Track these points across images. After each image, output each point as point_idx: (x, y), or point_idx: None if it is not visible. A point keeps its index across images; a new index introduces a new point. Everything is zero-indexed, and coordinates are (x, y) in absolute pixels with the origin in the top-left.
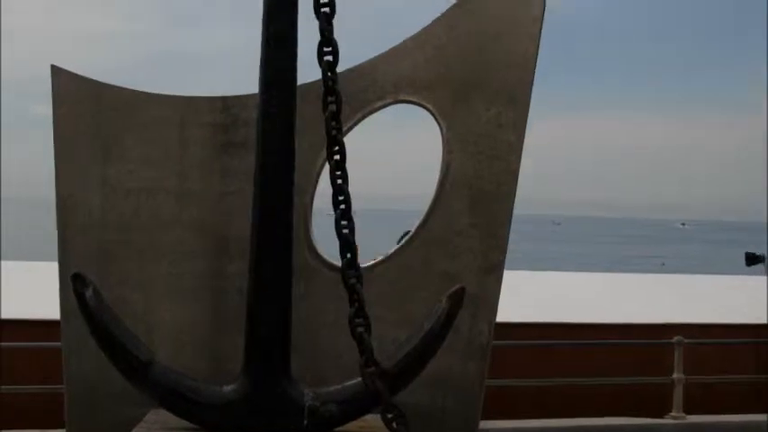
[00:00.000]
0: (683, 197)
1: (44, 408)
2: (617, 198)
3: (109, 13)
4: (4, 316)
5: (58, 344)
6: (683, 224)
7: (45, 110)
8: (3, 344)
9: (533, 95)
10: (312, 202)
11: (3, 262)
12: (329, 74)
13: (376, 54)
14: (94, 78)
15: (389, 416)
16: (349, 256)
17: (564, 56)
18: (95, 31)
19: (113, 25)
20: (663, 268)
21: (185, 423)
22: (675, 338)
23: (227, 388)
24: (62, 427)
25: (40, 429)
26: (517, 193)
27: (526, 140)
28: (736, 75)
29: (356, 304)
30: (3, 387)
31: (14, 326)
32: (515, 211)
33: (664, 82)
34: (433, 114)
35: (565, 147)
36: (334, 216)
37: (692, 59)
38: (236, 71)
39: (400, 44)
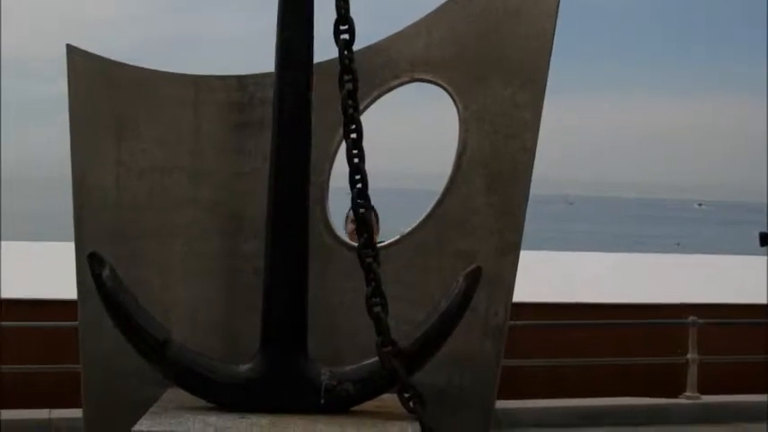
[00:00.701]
0: (700, 178)
1: (61, 387)
2: (633, 178)
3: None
4: (16, 296)
5: (75, 323)
6: (700, 204)
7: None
8: (20, 323)
9: (550, 74)
10: (329, 181)
11: (20, 242)
12: (345, 52)
13: (392, 32)
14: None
15: (406, 395)
16: (365, 235)
17: (578, 35)
18: (92, 17)
19: (110, 12)
20: (678, 248)
21: (202, 402)
22: (690, 318)
23: (244, 367)
24: (79, 407)
25: (57, 408)
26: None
27: (543, 119)
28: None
29: (373, 284)
30: (19, 366)
31: (28, 305)
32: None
33: (680, 62)
34: (449, 93)
35: (582, 127)
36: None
37: (711, 40)
38: (241, 58)
39: (416, 22)
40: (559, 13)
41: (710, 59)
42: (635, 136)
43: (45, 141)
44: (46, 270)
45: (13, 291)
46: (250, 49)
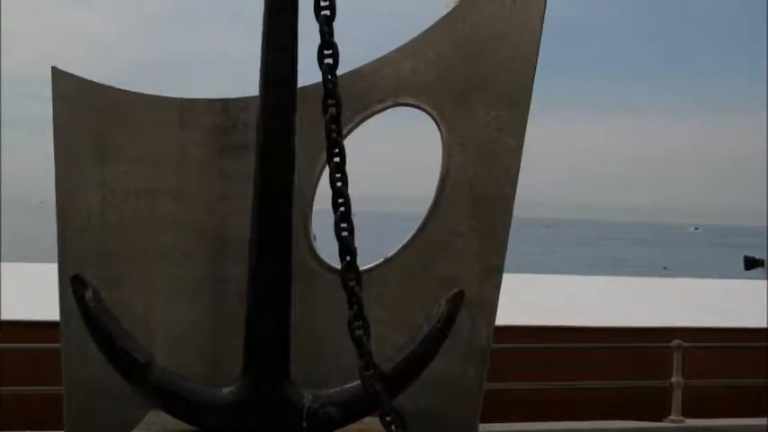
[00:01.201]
0: (699, 201)
1: (43, 409)
2: (629, 201)
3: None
4: (3, 317)
5: (57, 345)
6: (696, 228)
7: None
8: (2, 345)
9: (535, 97)
10: (312, 205)
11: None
12: (329, 76)
13: (376, 57)
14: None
15: (388, 419)
16: (348, 258)
17: (568, 57)
18: (85, 34)
19: (99, 33)
20: (665, 272)
21: (184, 425)
22: (674, 342)
23: (226, 390)
24: (61, 429)
25: (39, 431)
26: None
27: (528, 142)
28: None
29: (355, 307)
30: (2, 388)
31: (12, 327)
32: (515, 214)
33: (677, 85)
34: (432, 117)
35: (579, 150)
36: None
37: (708, 61)
38: (223, 76)
39: (400, 47)
40: (546, 35)
41: (708, 80)
42: (628, 158)
43: (31, 163)
44: (32, 291)
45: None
46: (237, 70)
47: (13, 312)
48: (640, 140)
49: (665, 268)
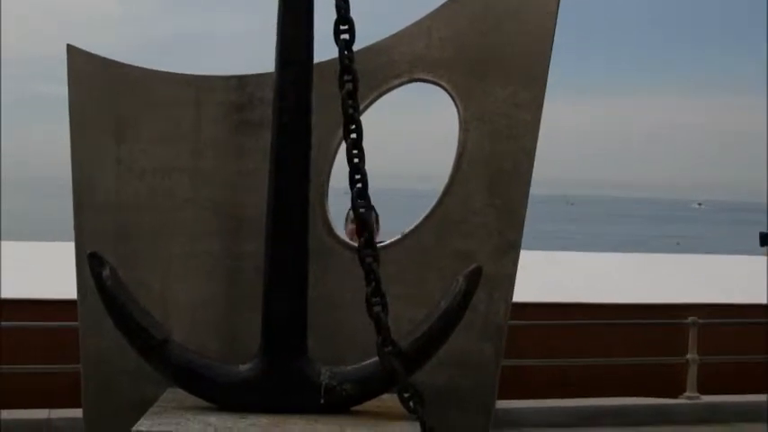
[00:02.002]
0: (700, 177)
1: (61, 387)
2: (633, 178)
3: None
4: (18, 295)
5: (75, 323)
6: (700, 204)
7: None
8: (21, 323)
9: (550, 73)
10: (329, 181)
11: (20, 242)
12: (346, 52)
13: (392, 32)
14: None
15: (406, 395)
16: (366, 235)
17: (576, 37)
18: (94, 14)
19: (111, 8)
20: (677, 248)
21: (201, 402)
22: (690, 319)
23: (244, 367)
24: (79, 407)
25: (57, 408)
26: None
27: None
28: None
29: (373, 284)
30: (19, 366)
31: (29, 305)
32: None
33: (679, 62)
34: (449, 93)
35: (583, 128)
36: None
37: (711, 38)
38: (237, 57)
39: (416, 22)
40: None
41: (711, 57)
42: (633, 135)
43: (45, 141)
44: (46, 270)
45: (13, 291)
46: (251, 47)
47: (40, 291)
48: (639, 119)
49: (678, 244)
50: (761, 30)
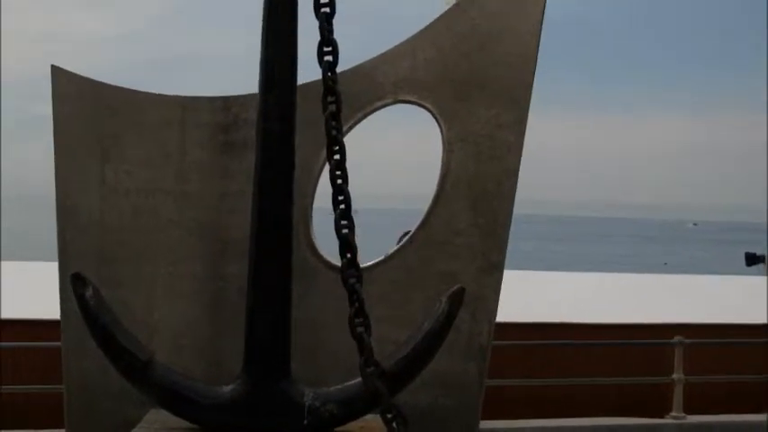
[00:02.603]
0: (697, 198)
1: (44, 408)
2: (630, 198)
3: (102, 16)
4: (4, 316)
5: (58, 344)
6: (695, 224)
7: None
8: (2, 344)
9: (535, 94)
10: (312, 202)
11: (3, 262)
12: (329, 74)
13: (376, 54)
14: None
15: (389, 416)
16: (349, 255)
17: (565, 54)
18: (89, 35)
19: (106, 29)
20: (665, 268)
21: (185, 423)
22: (676, 338)
23: (227, 388)
24: (62, 427)
25: (39, 429)
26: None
27: (527, 140)
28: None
29: (356, 304)
30: (3, 387)
31: (14, 326)
32: (515, 211)
33: (677, 81)
34: (432, 114)
35: (572, 147)
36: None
37: (708, 58)
38: (225, 75)
39: (400, 44)
40: (544, 32)
41: (708, 77)
42: (631, 156)
43: (33, 161)
44: (31, 290)
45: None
46: (236, 69)
47: (14, 311)
48: (634, 138)
49: (666, 264)
50: (760, 48)
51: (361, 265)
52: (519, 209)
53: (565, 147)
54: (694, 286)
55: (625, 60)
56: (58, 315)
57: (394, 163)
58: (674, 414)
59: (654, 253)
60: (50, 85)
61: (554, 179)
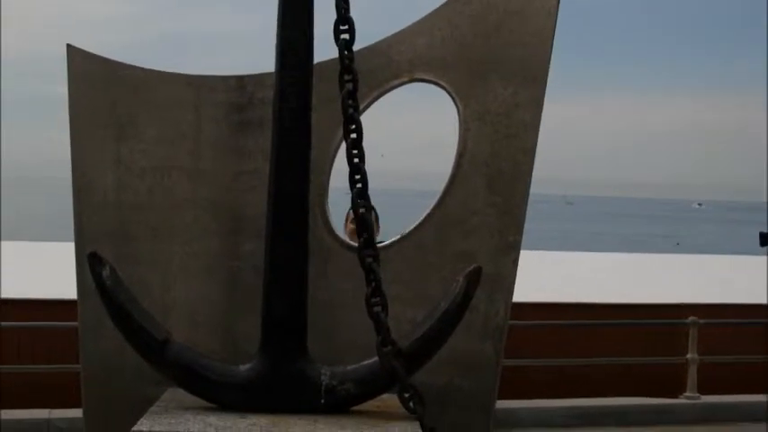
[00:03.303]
0: (700, 177)
1: (62, 387)
2: (634, 178)
3: None
4: (16, 296)
5: (75, 323)
6: (700, 204)
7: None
8: (22, 323)
9: (551, 72)
10: (329, 181)
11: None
12: (346, 52)
13: (392, 32)
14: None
15: (406, 395)
16: (366, 235)
17: (576, 36)
18: (96, 15)
19: (113, 9)
20: (677, 248)
21: (202, 402)
22: (690, 319)
23: (244, 367)
24: (79, 407)
25: (57, 408)
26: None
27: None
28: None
29: (373, 284)
30: (19, 366)
31: (28, 305)
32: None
33: (684, 62)
34: (449, 93)
35: (582, 127)
36: (350, 195)
37: (708, 38)
38: (243, 55)
39: (416, 22)
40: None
41: (711, 58)
42: (634, 135)
43: (45, 142)
44: (47, 270)
45: (14, 291)
46: (251, 47)
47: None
48: (637, 118)
49: (678, 244)
50: (761, 28)
51: (377, 244)
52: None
53: (563, 126)
54: (707, 266)
55: (620, 40)
56: (63, 295)
57: (408, 142)
58: (688, 394)
59: (664, 233)
60: (65, 63)
61: (555, 158)
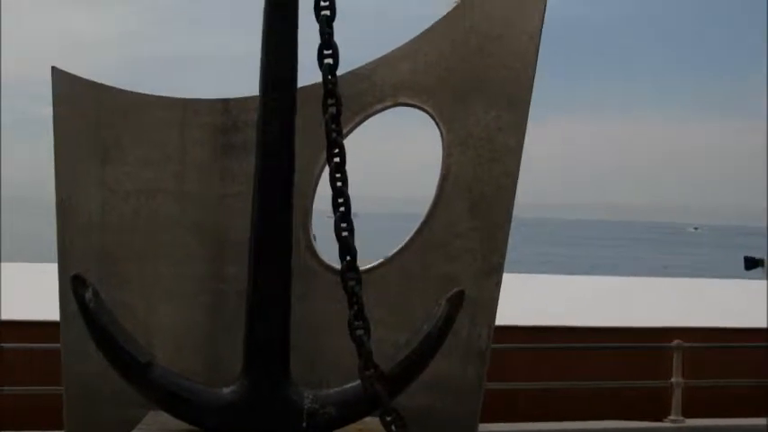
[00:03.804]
0: (699, 201)
1: (43, 409)
2: (631, 202)
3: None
4: (4, 317)
5: (57, 345)
6: (696, 228)
7: (43, 111)
8: (17, 344)
9: (537, 94)
10: (312, 205)
11: (3, 264)
12: (329, 77)
13: (376, 57)
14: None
15: (388, 419)
16: (348, 258)
17: (563, 56)
18: (88, 35)
19: (106, 29)
20: (665, 271)
21: (184, 425)
22: (675, 342)
23: (227, 390)
24: (61, 429)
25: (39, 431)
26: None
27: (527, 143)
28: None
29: (355, 307)
30: (3, 388)
31: (13, 327)
32: (514, 214)
33: (676, 84)
34: (432, 117)
35: (572, 149)
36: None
37: (705, 62)
38: (227, 76)
39: (400, 47)
40: (543, 34)
41: (708, 80)
42: (621, 158)
43: (33, 163)
44: (31, 291)
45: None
46: (238, 70)
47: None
48: (632, 141)
49: (666, 267)
50: (760, 52)
51: (360, 268)
52: (518, 212)
53: (559, 149)
54: (694, 290)
55: (623, 61)
56: (55, 317)
57: (392, 166)
58: (672, 417)
59: (654, 257)
60: (50, 86)
61: (549, 183)
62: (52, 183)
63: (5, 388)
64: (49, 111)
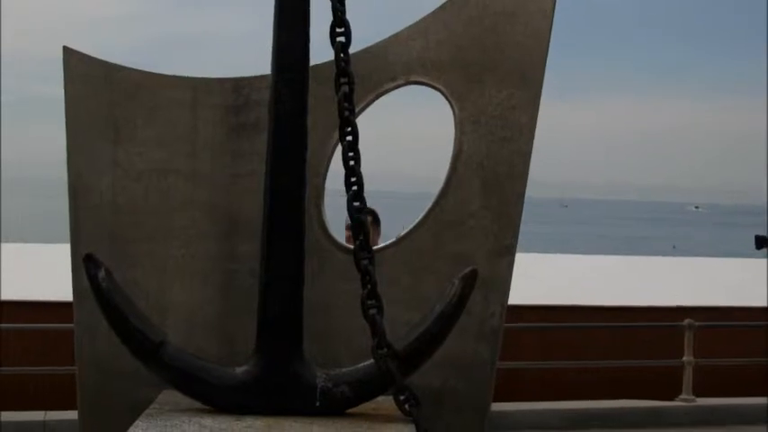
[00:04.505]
0: (698, 181)
1: (56, 389)
2: (631, 181)
3: None
4: (11, 297)
5: (70, 325)
6: (697, 207)
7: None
8: (17, 325)
9: (547, 74)
10: (324, 183)
11: (13, 244)
12: (342, 55)
13: (388, 35)
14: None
15: (402, 397)
16: (361, 237)
17: (574, 37)
18: (96, 15)
19: (112, 10)
20: (674, 251)
21: (197, 404)
22: (686, 321)
23: (239, 369)
24: (74, 409)
25: (52, 410)
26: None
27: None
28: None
29: (368, 286)
30: (13, 368)
31: (23, 307)
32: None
33: (681, 64)
34: (445, 95)
35: (576, 128)
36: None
37: (709, 41)
38: (241, 56)
39: (412, 25)
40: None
41: (711, 60)
42: (629, 137)
43: (42, 143)
44: (43, 272)
45: (11, 292)
46: (248, 49)
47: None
48: (635, 120)
49: (674, 247)
50: (761, 31)
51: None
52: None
53: (563, 129)
54: (704, 269)
55: (617, 40)
56: (59, 297)
57: (406, 144)
58: (683, 397)
59: (660, 236)
60: (62, 65)
61: (554, 161)
62: (55, 164)
63: (18, 368)
64: (48, 89)
